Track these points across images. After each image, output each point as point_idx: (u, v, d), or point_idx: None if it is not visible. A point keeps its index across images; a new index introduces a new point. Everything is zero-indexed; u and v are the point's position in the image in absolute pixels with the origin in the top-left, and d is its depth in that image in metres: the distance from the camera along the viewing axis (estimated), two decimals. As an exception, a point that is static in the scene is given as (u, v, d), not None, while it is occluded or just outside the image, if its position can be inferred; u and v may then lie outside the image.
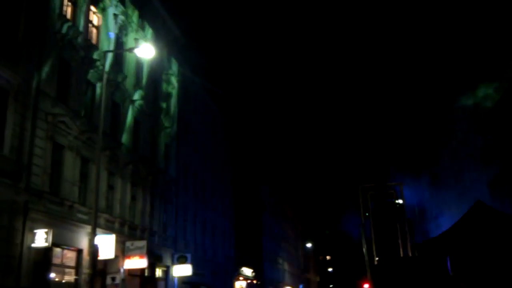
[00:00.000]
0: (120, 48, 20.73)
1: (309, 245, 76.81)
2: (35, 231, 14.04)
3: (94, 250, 13.70)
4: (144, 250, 19.06)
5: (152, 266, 22.39)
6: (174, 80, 28.10)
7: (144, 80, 23.69)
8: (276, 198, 59.70)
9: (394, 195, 20.73)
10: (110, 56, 19.32)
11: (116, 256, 18.00)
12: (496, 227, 11.05)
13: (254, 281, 43.18)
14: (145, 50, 16.04)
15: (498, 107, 18.57)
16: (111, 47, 20.01)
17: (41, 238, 13.97)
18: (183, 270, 24.68)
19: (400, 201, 20.29)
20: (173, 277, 24.81)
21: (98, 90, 18.56)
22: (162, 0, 25.76)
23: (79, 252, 16.53)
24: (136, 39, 22.67)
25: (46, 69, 15.54)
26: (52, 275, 15.31)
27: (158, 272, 23.93)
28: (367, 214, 20.00)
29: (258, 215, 47.77)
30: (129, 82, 21.74)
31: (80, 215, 16.74)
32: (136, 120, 22.28)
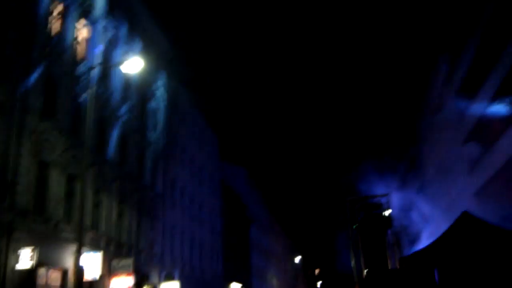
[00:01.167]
0: (108, 62, 20.63)
1: (297, 259, 76.44)
2: (20, 251, 13.70)
3: (79, 270, 13.40)
4: (131, 268, 18.74)
5: (139, 285, 21.98)
6: (162, 94, 28.03)
7: (132, 94, 23.56)
8: (264, 213, 59.46)
9: (381, 207, 20.73)
10: (97, 70, 19.19)
11: (103, 275, 17.66)
12: (483, 238, 11.17)
13: (243, 297, 42.69)
14: (133, 64, 15.95)
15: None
16: (99, 61, 19.88)
17: (25, 258, 13.64)
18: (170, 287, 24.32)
19: (387, 213, 20.31)
20: (160, 295, 24.41)
21: (85, 105, 18.38)
22: (151, 14, 25.86)
23: (65, 272, 16.16)
24: (124, 53, 22.59)
25: (32, 84, 15.31)
26: (37, 296, 14.92)
27: (146, 290, 23.50)
28: (354, 227, 19.96)
29: (246, 230, 47.46)
30: (117, 96, 21.60)
31: (65, 234, 16.42)
32: (123, 135, 22.08)
